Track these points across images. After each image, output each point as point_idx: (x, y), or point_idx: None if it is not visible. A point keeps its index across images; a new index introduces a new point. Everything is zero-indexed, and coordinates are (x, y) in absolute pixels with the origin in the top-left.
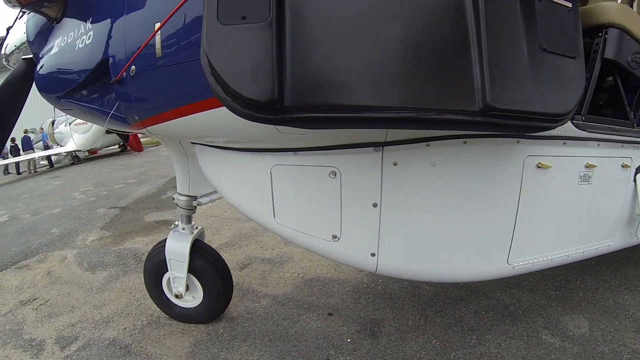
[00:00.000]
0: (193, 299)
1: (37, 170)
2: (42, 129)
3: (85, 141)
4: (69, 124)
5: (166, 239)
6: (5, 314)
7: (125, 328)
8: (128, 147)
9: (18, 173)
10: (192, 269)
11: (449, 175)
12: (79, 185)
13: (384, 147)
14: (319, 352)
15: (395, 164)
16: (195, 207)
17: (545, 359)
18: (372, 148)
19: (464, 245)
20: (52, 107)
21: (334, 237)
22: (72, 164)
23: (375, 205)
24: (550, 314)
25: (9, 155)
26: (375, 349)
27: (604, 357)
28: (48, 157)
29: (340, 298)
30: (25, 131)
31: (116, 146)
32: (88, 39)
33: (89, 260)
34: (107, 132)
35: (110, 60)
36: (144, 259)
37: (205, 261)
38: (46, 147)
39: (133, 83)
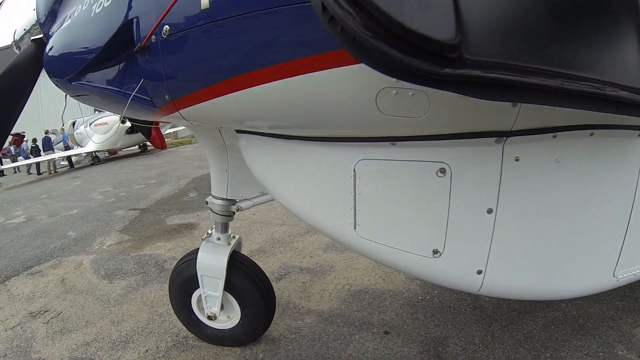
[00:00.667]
0: (228, 319)
1: (57, 170)
2: (62, 129)
3: (105, 141)
4: (89, 125)
5: (196, 250)
6: (14, 327)
7: (147, 350)
8: (150, 145)
9: (39, 173)
10: (228, 286)
11: (571, 174)
12: (98, 186)
13: (507, 138)
14: None
15: (517, 160)
16: (234, 213)
17: None
18: (494, 139)
19: (578, 257)
20: (68, 104)
21: (435, 252)
22: (92, 164)
23: (490, 211)
24: (621, 327)
25: (30, 155)
26: None
27: None
28: (68, 158)
29: (394, 313)
30: (46, 132)
31: (136, 147)
32: (107, 1)
33: (106, 267)
34: (127, 132)
35: (135, 22)
36: (168, 270)
37: (245, 276)
38: (67, 148)
39: (165, 50)
